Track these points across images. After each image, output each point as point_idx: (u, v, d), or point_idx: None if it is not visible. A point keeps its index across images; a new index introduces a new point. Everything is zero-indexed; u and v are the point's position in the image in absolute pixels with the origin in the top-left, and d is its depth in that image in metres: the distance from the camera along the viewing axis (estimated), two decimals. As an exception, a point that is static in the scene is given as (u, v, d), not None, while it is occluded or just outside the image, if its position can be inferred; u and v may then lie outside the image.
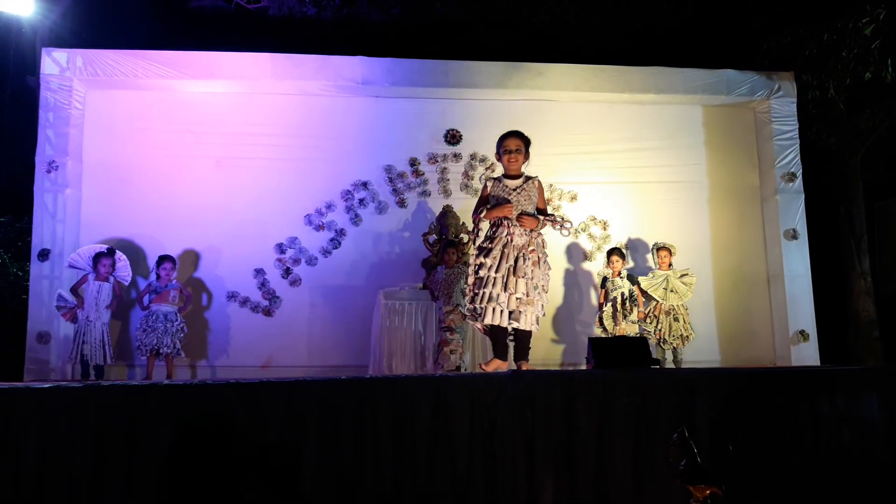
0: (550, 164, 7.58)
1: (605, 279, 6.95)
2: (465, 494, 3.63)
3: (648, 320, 6.93)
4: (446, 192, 7.52)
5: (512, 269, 4.48)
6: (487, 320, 4.51)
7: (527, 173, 4.76)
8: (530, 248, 4.54)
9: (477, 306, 4.55)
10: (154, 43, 7.34)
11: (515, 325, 4.55)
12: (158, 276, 6.56)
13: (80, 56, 7.02)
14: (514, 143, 4.69)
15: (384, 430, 3.63)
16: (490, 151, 7.57)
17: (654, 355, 6.53)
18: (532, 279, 4.50)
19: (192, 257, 7.16)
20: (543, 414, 3.67)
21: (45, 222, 6.85)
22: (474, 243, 4.73)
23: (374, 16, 8.47)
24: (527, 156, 4.75)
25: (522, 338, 4.72)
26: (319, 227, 7.35)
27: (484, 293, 4.49)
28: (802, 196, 7.61)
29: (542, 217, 4.65)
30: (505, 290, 4.46)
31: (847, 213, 8.39)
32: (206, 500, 3.60)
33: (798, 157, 7.66)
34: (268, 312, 7.17)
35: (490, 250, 4.53)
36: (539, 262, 4.57)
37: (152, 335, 6.39)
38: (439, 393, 3.65)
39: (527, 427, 3.65)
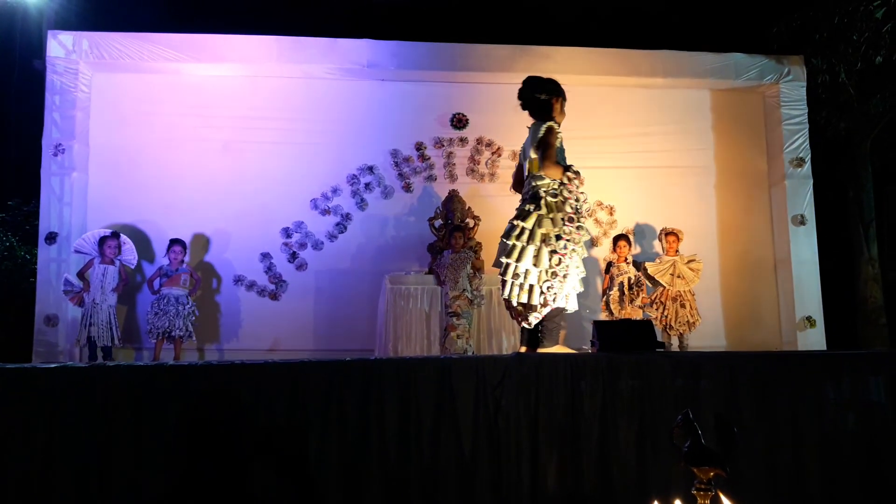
0: (557, 148, 7.56)
1: (609, 264, 6.94)
2: (470, 476, 3.64)
3: (655, 306, 6.92)
4: (452, 177, 7.50)
5: None
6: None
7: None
8: None
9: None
10: (160, 26, 7.33)
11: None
12: (169, 260, 6.58)
13: (86, 39, 7.01)
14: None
15: (389, 411, 3.64)
16: (496, 136, 7.56)
17: (660, 340, 6.52)
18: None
19: (199, 241, 7.17)
20: (548, 396, 3.67)
21: (53, 205, 6.88)
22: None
23: (381, -2, 8.43)
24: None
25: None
26: (325, 212, 7.35)
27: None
28: (811, 181, 7.56)
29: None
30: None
31: (856, 199, 8.34)
32: (212, 480, 3.63)
33: (807, 142, 7.60)
34: (274, 296, 7.19)
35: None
36: None
37: (164, 318, 6.42)
38: (444, 374, 3.66)
39: (531, 409, 3.65)
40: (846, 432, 3.73)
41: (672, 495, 3.35)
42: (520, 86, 4.63)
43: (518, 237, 4.19)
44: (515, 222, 4.25)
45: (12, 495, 3.44)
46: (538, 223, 4.19)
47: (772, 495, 3.59)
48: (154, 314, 6.45)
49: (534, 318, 4.28)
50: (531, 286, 4.19)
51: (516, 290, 4.23)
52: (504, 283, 4.29)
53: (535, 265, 4.16)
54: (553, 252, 4.15)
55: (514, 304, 4.32)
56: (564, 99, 4.61)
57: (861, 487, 3.66)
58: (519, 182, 4.60)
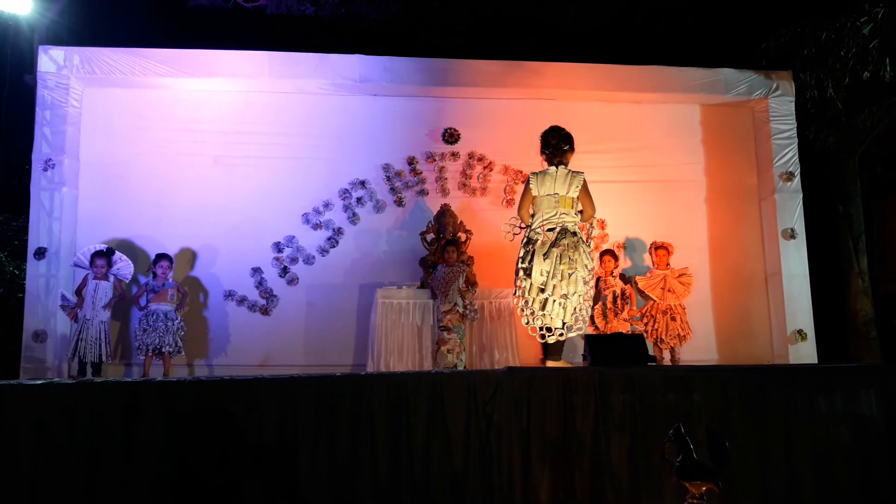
0: (548, 162, 7.59)
1: (598, 279, 6.95)
2: (461, 492, 3.62)
3: (645, 319, 6.93)
4: (444, 191, 7.51)
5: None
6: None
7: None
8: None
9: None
10: (152, 41, 7.32)
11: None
12: (154, 275, 6.54)
13: (78, 54, 7.00)
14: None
15: (380, 427, 3.62)
16: (488, 150, 7.59)
17: (651, 354, 6.52)
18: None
19: (189, 256, 7.14)
20: (540, 411, 3.66)
21: (42, 220, 6.83)
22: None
23: (372, 14, 8.46)
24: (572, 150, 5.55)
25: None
26: (317, 226, 7.34)
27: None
28: (800, 195, 7.61)
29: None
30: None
31: (845, 213, 8.38)
32: (201, 496, 3.59)
33: (796, 157, 7.65)
34: (265, 311, 7.15)
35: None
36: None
37: (153, 334, 6.37)
38: (436, 389, 3.65)
39: (523, 424, 3.64)
40: (838, 445, 3.73)
41: (664, 510, 3.34)
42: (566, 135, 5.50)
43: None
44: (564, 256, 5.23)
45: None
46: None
47: (764, 509, 3.59)
48: (143, 330, 6.39)
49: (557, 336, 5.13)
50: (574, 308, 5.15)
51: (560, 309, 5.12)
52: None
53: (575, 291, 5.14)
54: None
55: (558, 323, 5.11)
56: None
57: (855, 499, 3.65)
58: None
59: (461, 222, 7.16)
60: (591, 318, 6.82)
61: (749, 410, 3.72)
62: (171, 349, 6.40)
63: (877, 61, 7.02)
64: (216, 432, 3.62)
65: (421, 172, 7.52)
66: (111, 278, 6.47)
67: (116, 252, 6.58)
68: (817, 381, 3.85)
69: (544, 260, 5.11)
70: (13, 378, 6.25)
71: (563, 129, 5.52)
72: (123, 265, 6.58)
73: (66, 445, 3.50)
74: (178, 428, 3.60)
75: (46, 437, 3.49)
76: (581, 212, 5.49)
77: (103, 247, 6.56)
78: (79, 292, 6.43)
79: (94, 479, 3.46)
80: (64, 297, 6.43)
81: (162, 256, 6.58)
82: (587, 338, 4.35)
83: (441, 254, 6.66)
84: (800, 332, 7.31)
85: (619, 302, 6.82)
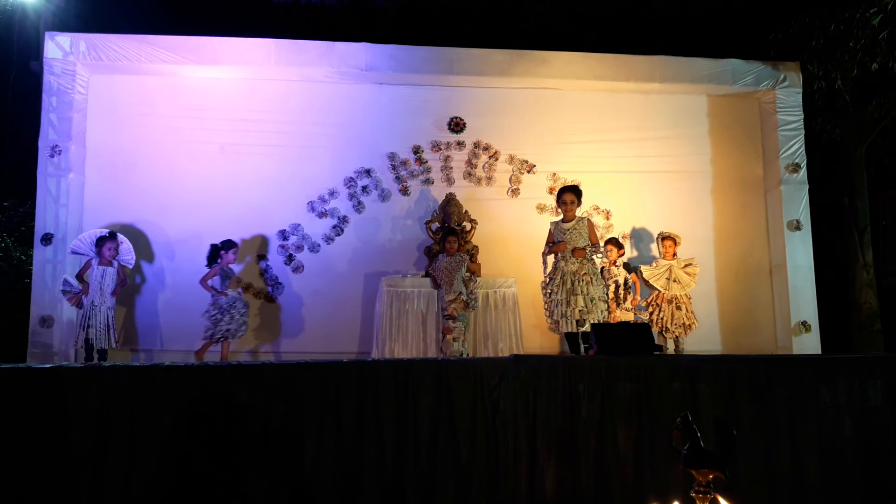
0: (553, 152, 7.60)
1: (602, 269, 6.94)
2: (468, 480, 3.63)
3: (650, 308, 6.94)
4: (449, 181, 7.50)
5: (570, 289, 5.82)
6: (563, 329, 5.87)
7: (578, 216, 6.07)
8: (582, 272, 5.87)
9: (555, 319, 5.91)
10: (158, 28, 7.31)
11: (582, 329, 5.73)
12: (217, 261, 6.52)
13: (84, 40, 6.99)
14: (570, 198, 6.07)
15: (386, 413, 3.63)
16: (493, 139, 7.58)
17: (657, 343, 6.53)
18: (587, 294, 5.82)
19: (195, 243, 7.14)
20: (545, 399, 3.67)
21: (49, 207, 6.85)
22: (545, 273, 6.12)
23: (379, 2, 8.43)
24: (579, 203, 6.12)
25: None
26: (322, 214, 7.34)
27: (556, 310, 5.87)
28: (806, 187, 7.60)
29: (589, 248, 5.94)
30: (568, 306, 5.79)
31: (851, 205, 8.36)
32: (207, 483, 3.61)
33: (802, 148, 7.64)
34: (270, 299, 7.17)
35: (553, 279, 5.95)
36: (592, 281, 5.87)
37: (240, 320, 6.45)
38: (442, 376, 3.66)
39: (529, 412, 3.65)
40: (844, 435, 3.74)
41: (670, 498, 3.35)
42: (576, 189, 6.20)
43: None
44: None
45: (4, 495, 3.42)
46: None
47: (771, 498, 3.60)
48: (230, 317, 6.39)
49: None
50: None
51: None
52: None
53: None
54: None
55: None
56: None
57: (860, 489, 3.66)
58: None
59: (466, 211, 7.16)
60: None
61: (755, 400, 3.73)
62: (243, 333, 6.50)
63: (886, 53, 6.99)
64: (222, 418, 3.64)
65: (426, 161, 7.52)
66: (115, 264, 6.47)
67: (119, 234, 6.58)
68: (824, 371, 3.85)
69: None
70: (20, 362, 6.27)
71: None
72: (126, 249, 6.58)
73: (73, 430, 3.51)
74: (185, 413, 3.61)
75: (54, 422, 3.50)
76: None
77: (105, 231, 6.55)
78: (80, 278, 6.42)
79: (101, 463, 3.48)
80: (67, 283, 6.42)
81: (233, 243, 6.63)
82: (593, 326, 4.36)
83: (443, 243, 6.67)
84: (804, 323, 7.32)
85: (621, 291, 6.81)
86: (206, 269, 6.52)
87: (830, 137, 8.12)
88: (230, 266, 6.65)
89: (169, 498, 3.55)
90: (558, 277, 5.92)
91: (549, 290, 6.00)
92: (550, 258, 6.11)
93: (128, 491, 3.50)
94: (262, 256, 7.22)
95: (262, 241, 7.24)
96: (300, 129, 7.39)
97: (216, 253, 6.56)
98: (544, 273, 6.11)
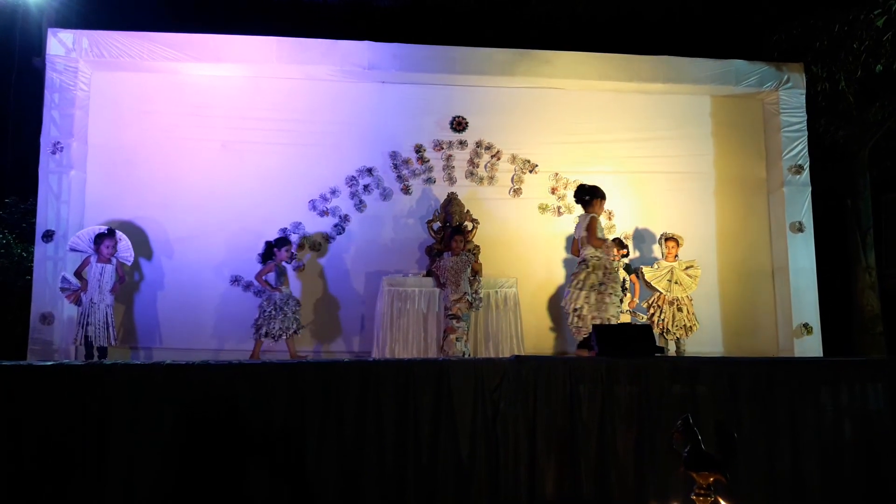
0: (556, 152, 7.58)
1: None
2: (468, 480, 3.63)
3: (651, 309, 6.93)
4: (451, 180, 7.49)
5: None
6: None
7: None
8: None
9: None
10: (160, 25, 7.30)
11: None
12: (271, 258, 6.55)
13: (86, 37, 6.99)
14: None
15: (387, 413, 3.62)
16: (496, 139, 7.56)
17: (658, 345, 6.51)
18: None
19: (196, 241, 7.14)
20: (546, 400, 3.66)
21: (50, 203, 6.85)
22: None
23: (382, 1, 8.42)
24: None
25: None
26: (324, 213, 7.33)
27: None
28: (809, 188, 7.57)
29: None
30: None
31: (853, 207, 8.34)
32: (207, 482, 3.61)
33: (806, 150, 7.62)
34: (271, 297, 7.15)
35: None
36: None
37: (292, 317, 6.50)
38: (443, 376, 3.65)
39: (529, 413, 3.64)
40: (845, 438, 3.73)
41: (670, 500, 3.34)
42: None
43: (577, 285, 5.94)
44: (574, 278, 6.03)
45: (4, 492, 3.42)
46: (587, 277, 5.92)
47: (771, 500, 3.59)
48: (284, 314, 6.46)
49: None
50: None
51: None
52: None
53: (586, 301, 5.83)
54: (599, 294, 5.84)
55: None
56: (604, 198, 6.25)
57: (861, 493, 3.65)
58: (576, 250, 6.23)
59: (468, 211, 7.15)
60: None
61: (757, 402, 3.72)
62: (297, 328, 6.55)
63: (889, 54, 6.97)
64: (223, 417, 3.63)
65: (428, 160, 7.51)
66: (114, 261, 6.47)
67: (117, 232, 6.57)
68: (825, 374, 3.84)
69: None
70: (20, 360, 6.28)
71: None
72: (124, 246, 6.57)
73: (74, 427, 3.51)
74: (186, 412, 3.61)
75: (54, 419, 3.50)
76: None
77: (103, 228, 6.54)
78: (79, 275, 6.41)
79: (103, 461, 3.47)
80: (65, 280, 6.41)
81: (287, 240, 6.68)
82: (595, 328, 4.35)
83: (449, 242, 6.65)
84: (806, 325, 7.30)
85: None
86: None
87: (833, 139, 8.11)
88: (283, 263, 6.67)
89: (170, 497, 3.54)
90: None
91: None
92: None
93: (128, 490, 3.50)
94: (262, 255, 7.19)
95: (263, 240, 7.19)
96: (302, 127, 7.38)
97: (270, 250, 6.59)
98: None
